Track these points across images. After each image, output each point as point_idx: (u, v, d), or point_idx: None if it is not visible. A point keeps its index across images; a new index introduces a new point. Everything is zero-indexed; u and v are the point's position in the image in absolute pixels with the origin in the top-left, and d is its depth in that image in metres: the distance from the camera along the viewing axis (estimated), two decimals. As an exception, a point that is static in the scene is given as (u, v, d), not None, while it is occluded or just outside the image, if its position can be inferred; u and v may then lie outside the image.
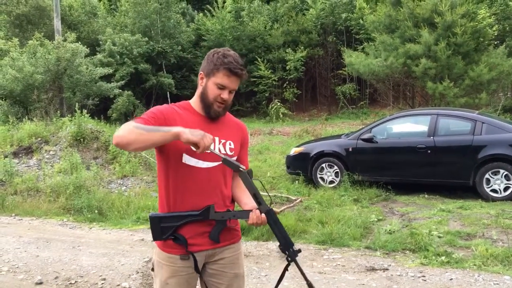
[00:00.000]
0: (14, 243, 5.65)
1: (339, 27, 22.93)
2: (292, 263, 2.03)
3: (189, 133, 1.83)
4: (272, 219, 2.01)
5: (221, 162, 2.00)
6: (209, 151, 1.91)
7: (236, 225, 2.23)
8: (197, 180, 2.03)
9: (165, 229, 2.02)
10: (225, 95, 2.04)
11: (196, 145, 1.84)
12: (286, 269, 2.09)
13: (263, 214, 2.00)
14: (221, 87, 2.03)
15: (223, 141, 2.12)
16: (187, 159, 2.03)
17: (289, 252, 2.00)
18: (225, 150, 2.11)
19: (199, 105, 2.11)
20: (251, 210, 2.02)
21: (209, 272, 2.15)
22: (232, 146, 2.15)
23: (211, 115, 2.09)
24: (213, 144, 2.03)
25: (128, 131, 1.84)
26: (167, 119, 1.99)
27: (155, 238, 2.05)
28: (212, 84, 2.04)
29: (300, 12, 24.05)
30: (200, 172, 2.04)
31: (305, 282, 2.02)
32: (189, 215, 2.03)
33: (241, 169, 1.97)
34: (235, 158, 2.14)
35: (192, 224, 2.04)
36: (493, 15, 15.37)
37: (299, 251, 2.02)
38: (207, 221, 2.04)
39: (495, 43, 15.56)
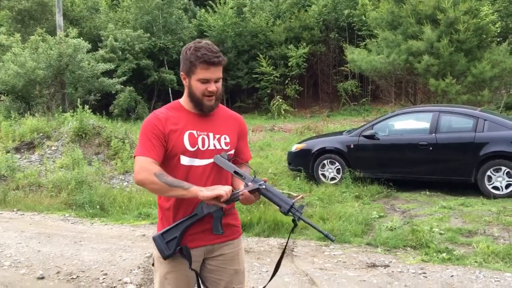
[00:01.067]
0: (16, 238, 5.67)
1: (342, 23, 22.88)
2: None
3: (206, 191, 1.89)
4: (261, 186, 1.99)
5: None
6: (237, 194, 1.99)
7: (236, 221, 2.23)
8: (195, 178, 2.02)
9: (170, 244, 2.02)
10: (211, 87, 2.03)
11: (217, 198, 1.88)
12: (292, 231, 2.11)
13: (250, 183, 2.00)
14: (205, 81, 2.02)
15: (217, 136, 2.11)
16: (184, 160, 2.04)
17: (293, 211, 1.93)
18: (220, 145, 2.11)
19: (190, 104, 2.10)
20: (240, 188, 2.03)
21: (209, 268, 2.15)
22: (228, 140, 2.14)
23: (204, 111, 2.09)
24: (207, 141, 2.07)
25: (151, 181, 1.93)
26: (163, 129, 2.02)
27: (164, 256, 2.03)
28: (195, 81, 2.03)
29: (302, 8, 23.98)
30: (197, 170, 2.04)
31: (321, 234, 1.95)
32: (186, 219, 2.03)
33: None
34: (232, 151, 2.14)
35: (191, 226, 2.04)
36: (496, 12, 15.32)
37: (302, 207, 1.96)
38: (205, 219, 2.03)
39: (498, 40, 15.51)
